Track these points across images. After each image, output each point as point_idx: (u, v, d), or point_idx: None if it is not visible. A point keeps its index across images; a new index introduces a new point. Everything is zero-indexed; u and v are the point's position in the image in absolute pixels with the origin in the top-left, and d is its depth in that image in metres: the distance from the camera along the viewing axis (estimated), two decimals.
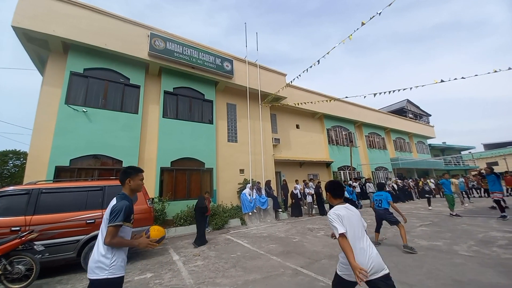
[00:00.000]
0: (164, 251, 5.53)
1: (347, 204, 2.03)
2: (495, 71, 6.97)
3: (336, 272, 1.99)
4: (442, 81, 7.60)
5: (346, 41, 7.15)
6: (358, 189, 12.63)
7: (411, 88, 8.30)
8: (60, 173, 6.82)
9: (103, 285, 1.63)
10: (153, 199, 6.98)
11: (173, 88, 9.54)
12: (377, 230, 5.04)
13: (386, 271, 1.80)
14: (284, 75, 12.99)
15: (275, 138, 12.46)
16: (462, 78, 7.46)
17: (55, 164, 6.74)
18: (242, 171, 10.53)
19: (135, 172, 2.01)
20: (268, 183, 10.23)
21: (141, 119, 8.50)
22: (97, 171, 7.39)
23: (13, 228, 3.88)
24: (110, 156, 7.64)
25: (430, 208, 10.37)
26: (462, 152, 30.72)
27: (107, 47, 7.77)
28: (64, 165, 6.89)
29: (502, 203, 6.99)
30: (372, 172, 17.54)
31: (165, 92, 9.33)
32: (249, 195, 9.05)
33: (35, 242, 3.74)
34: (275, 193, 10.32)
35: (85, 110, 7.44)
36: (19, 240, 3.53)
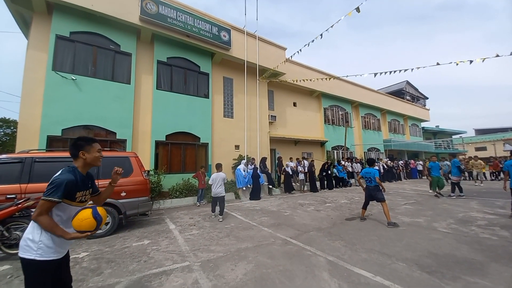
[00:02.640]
0: (161, 220, 5.76)
1: (220, 172, 5.86)
2: (497, 56, 6.82)
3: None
4: (440, 63, 7.43)
5: (349, 15, 6.75)
6: (349, 169, 13.04)
7: (412, 69, 8.11)
8: (52, 142, 6.72)
9: (29, 266, 1.43)
10: (148, 171, 7.06)
11: (167, 58, 9.09)
12: (364, 207, 5.31)
13: (222, 195, 5.75)
14: (284, 49, 12.44)
15: (271, 115, 12.36)
16: (470, 61, 7.25)
17: (47, 133, 6.60)
18: (237, 147, 10.60)
19: (87, 143, 1.70)
20: (263, 160, 10.39)
21: (133, 90, 8.21)
22: None
23: (8, 196, 3.92)
24: (103, 127, 7.51)
25: (430, 191, 9.08)
26: (453, 136, 31.40)
27: (93, 8, 7.15)
28: (56, 135, 6.77)
29: (458, 185, 8.21)
30: (364, 152, 17.94)
31: (159, 62, 8.90)
32: (244, 170, 9.23)
33: (32, 210, 3.82)
34: (269, 170, 10.54)
35: (74, 78, 7.10)
36: (16, 207, 3.58)
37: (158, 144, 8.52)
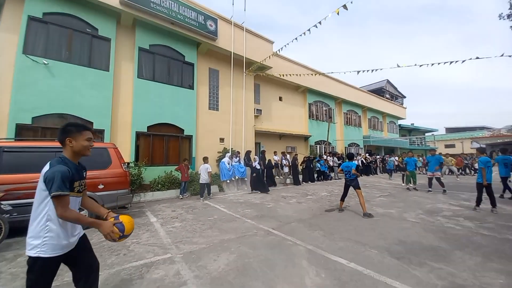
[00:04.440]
0: (141, 213, 5.64)
1: (205, 164, 7.44)
2: (477, 58, 7.22)
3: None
4: (419, 64, 7.86)
5: (337, 12, 6.84)
6: (331, 163, 13.52)
7: (394, 66, 8.49)
8: (21, 131, 6.24)
9: (33, 263, 1.40)
10: (128, 163, 6.83)
11: (149, 45, 8.69)
12: (342, 198, 5.58)
13: (206, 182, 7.32)
14: (272, 42, 12.39)
15: (257, 109, 12.37)
16: (451, 62, 7.70)
17: (16, 121, 6.11)
18: (222, 140, 10.53)
19: (77, 129, 1.59)
20: (248, 153, 10.44)
21: (112, 78, 7.79)
22: None
23: None
24: (79, 117, 7.08)
25: (403, 184, 10.20)
26: (426, 134, 33.50)
27: None
28: (26, 123, 6.28)
29: (439, 180, 8.31)
30: (345, 147, 18.63)
31: (140, 49, 8.49)
32: (228, 163, 9.23)
33: (2, 202, 3.58)
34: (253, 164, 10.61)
35: (46, 62, 6.58)
36: None
37: (139, 135, 8.23)
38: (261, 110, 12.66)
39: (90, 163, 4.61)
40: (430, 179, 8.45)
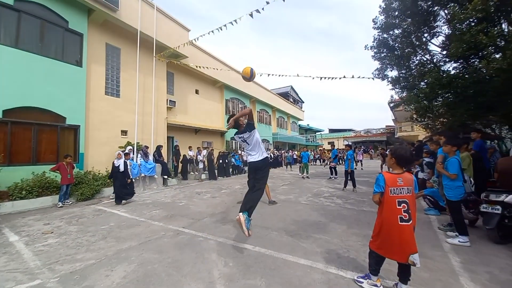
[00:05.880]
0: None
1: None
2: (344, 77, 9.56)
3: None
4: (314, 77, 9.66)
5: (250, 14, 7.23)
6: (245, 158, 14.41)
7: (295, 75, 9.97)
8: None
9: None
10: None
11: (14, 0, 6.11)
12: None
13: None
14: (188, 30, 11.62)
15: (170, 100, 11.35)
16: (333, 78, 9.73)
17: None
18: (124, 132, 8.98)
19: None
20: (158, 148, 9.43)
21: None
22: None
23: None
24: None
25: (300, 174, 11.64)
26: (317, 133, 41.92)
27: None
28: None
29: (335, 169, 10.67)
30: None
31: None
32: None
33: None
34: (164, 159, 9.74)
35: None
36: None
37: None
38: (175, 101, 11.69)
39: None
40: (330, 168, 10.78)
